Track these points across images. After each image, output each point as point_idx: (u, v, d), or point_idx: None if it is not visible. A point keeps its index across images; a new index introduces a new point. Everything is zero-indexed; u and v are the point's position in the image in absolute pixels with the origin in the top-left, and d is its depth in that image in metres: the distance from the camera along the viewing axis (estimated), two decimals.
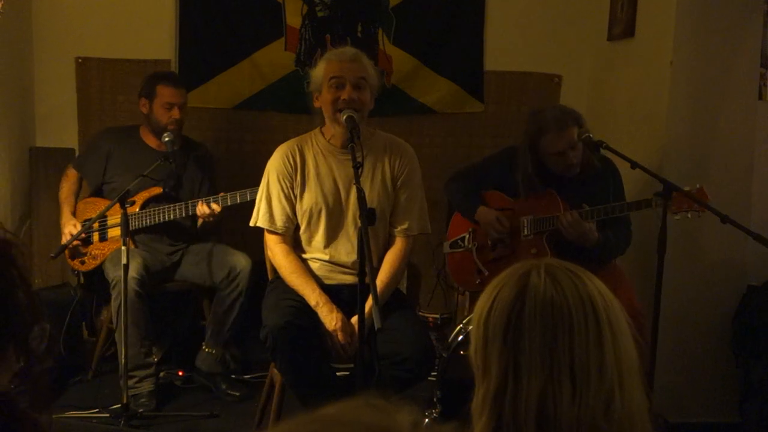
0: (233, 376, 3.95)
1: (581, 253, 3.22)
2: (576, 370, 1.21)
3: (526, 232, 3.53)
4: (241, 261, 3.81)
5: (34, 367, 1.22)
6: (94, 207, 3.92)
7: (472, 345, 1.29)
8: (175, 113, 3.88)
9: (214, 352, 3.89)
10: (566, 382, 1.20)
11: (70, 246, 3.80)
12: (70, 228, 3.85)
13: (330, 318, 3.04)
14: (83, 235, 3.82)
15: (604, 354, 1.22)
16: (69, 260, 3.96)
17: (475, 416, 1.26)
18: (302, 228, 3.18)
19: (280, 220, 3.16)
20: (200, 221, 3.86)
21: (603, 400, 1.20)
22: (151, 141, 3.97)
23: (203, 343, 3.92)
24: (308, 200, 3.15)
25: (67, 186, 4.05)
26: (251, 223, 3.22)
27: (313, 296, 3.08)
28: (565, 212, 3.36)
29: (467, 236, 3.72)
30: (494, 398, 1.22)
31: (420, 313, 4.35)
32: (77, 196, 4.05)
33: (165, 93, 3.89)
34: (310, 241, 3.19)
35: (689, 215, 3.18)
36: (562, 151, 3.38)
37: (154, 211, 3.84)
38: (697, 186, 3.17)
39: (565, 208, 3.43)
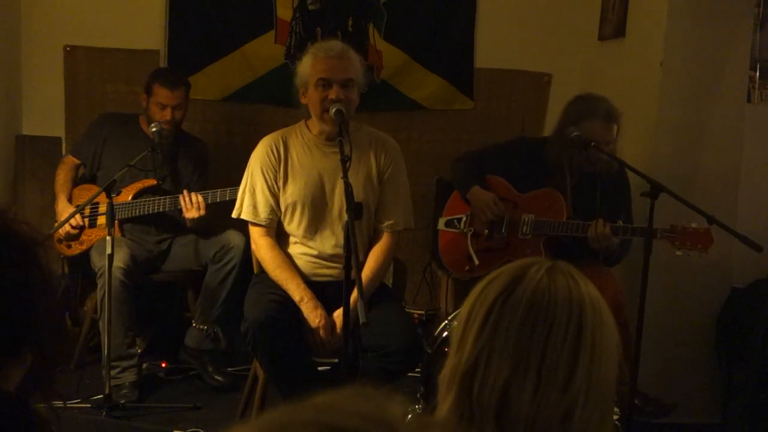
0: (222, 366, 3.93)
1: (576, 256, 3.18)
2: (543, 370, 1.18)
3: (525, 230, 3.48)
4: (234, 238, 3.77)
5: (47, 370, 1.18)
6: (88, 193, 3.87)
7: (459, 314, 1.30)
8: (167, 114, 3.83)
9: (204, 327, 3.86)
10: (531, 379, 1.18)
11: (66, 232, 3.79)
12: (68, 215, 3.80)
13: (314, 315, 3.03)
14: (78, 222, 3.80)
15: (577, 365, 1.19)
16: (56, 244, 3.92)
17: (442, 388, 1.25)
18: (286, 220, 3.17)
19: (263, 212, 3.15)
20: (188, 222, 3.81)
21: (562, 410, 1.18)
22: (148, 130, 3.95)
23: (193, 321, 3.90)
24: (292, 192, 3.13)
25: (63, 173, 3.99)
26: (234, 215, 3.21)
27: (297, 291, 3.07)
28: (597, 222, 3.28)
29: (464, 219, 3.63)
30: (463, 376, 1.22)
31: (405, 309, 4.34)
32: (74, 183, 4.00)
33: (159, 93, 3.84)
34: (294, 232, 3.17)
35: (690, 254, 3.15)
36: (597, 143, 3.34)
37: (145, 201, 3.82)
38: (705, 226, 3.11)
39: (568, 212, 3.41)
